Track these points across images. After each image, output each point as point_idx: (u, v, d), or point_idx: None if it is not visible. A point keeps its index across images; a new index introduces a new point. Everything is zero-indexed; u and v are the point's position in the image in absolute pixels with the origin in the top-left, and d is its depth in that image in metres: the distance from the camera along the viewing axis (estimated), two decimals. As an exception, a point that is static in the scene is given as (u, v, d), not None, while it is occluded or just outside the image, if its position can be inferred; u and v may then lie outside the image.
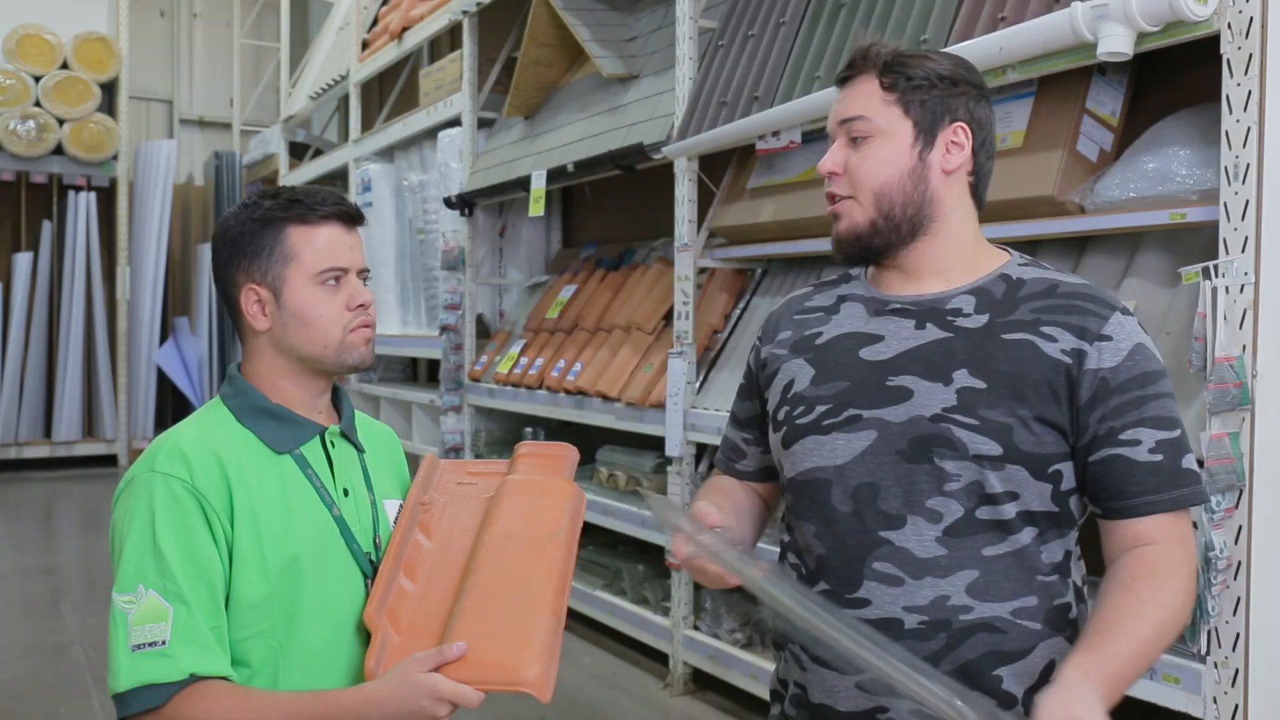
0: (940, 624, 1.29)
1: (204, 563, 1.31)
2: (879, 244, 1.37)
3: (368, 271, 1.48)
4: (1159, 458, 1.28)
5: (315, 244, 1.42)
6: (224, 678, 1.31)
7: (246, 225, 1.43)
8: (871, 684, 1.30)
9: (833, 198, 1.40)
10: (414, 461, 1.57)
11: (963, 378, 1.30)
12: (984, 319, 1.33)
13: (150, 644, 1.27)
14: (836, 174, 1.39)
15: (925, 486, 1.30)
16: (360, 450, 1.52)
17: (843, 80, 1.41)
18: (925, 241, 1.37)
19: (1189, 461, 1.30)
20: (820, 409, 1.37)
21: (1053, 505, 1.32)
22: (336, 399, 1.52)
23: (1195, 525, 2.03)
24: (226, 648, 1.33)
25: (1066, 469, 1.32)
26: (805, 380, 1.41)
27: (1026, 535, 1.31)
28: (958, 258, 1.38)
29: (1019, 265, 1.39)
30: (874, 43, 1.39)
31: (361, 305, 1.44)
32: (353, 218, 1.47)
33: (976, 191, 1.41)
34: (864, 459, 1.33)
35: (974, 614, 1.29)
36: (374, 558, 1.46)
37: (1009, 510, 1.29)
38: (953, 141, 1.36)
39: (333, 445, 1.47)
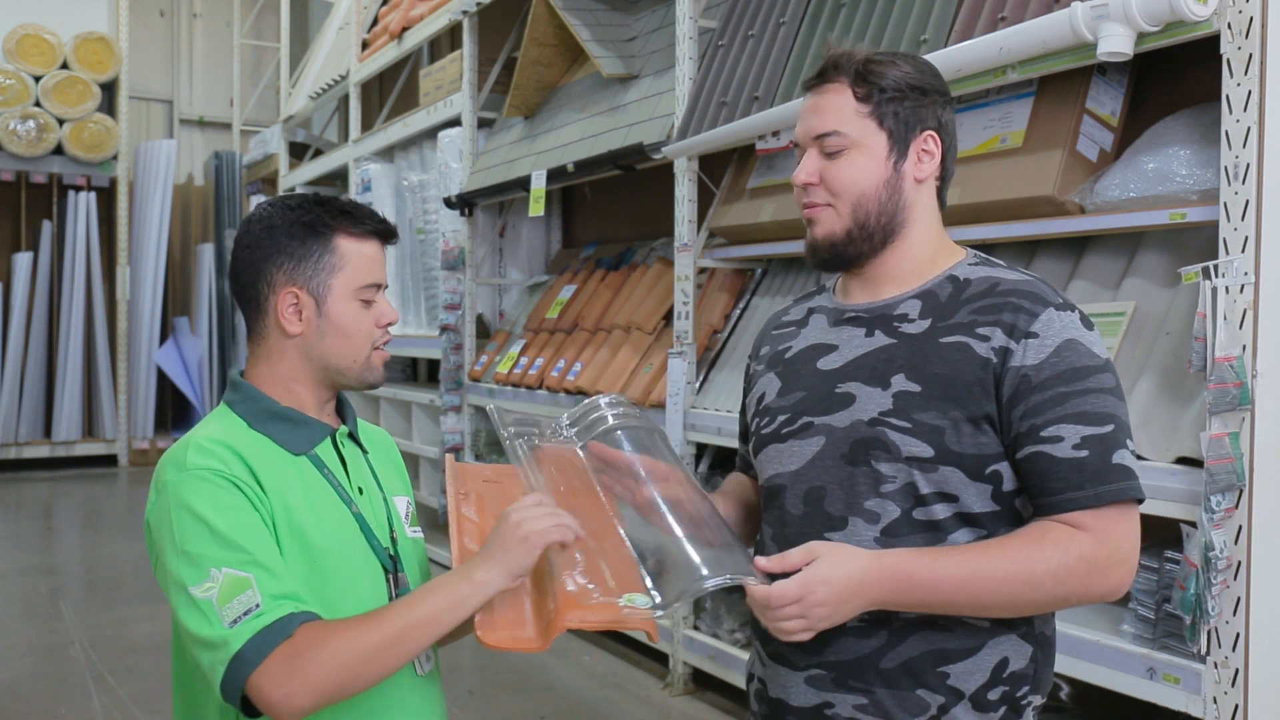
0: (880, 621, 1.32)
1: (259, 530, 1.32)
2: (852, 252, 1.41)
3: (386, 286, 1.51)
4: (1083, 454, 1.26)
5: (362, 257, 1.44)
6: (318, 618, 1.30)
7: (295, 228, 1.42)
8: (819, 680, 1.35)
9: (809, 204, 1.43)
10: (410, 460, 1.57)
11: (900, 382, 1.33)
12: (926, 324, 1.36)
13: (245, 614, 1.25)
14: (812, 184, 1.41)
15: (864, 489, 1.33)
16: (365, 451, 1.54)
17: (813, 86, 1.42)
18: (892, 249, 1.40)
19: (1121, 457, 1.27)
20: (781, 418, 1.43)
21: (994, 505, 1.32)
22: (338, 404, 1.54)
23: (1194, 525, 2.03)
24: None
25: (1006, 469, 1.32)
26: (773, 393, 1.46)
27: (966, 535, 1.31)
28: (917, 261, 1.41)
29: (969, 265, 1.40)
30: (845, 50, 1.41)
31: (389, 324, 1.47)
32: (390, 235, 1.49)
33: (940, 194, 1.44)
34: (813, 464, 1.37)
35: (915, 612, 1.30)
36: (392, 552, 1.47)
37: (939, 511, 1.31)
38: (924, 150, 1.39)
39: (343, 445, 1.49)
